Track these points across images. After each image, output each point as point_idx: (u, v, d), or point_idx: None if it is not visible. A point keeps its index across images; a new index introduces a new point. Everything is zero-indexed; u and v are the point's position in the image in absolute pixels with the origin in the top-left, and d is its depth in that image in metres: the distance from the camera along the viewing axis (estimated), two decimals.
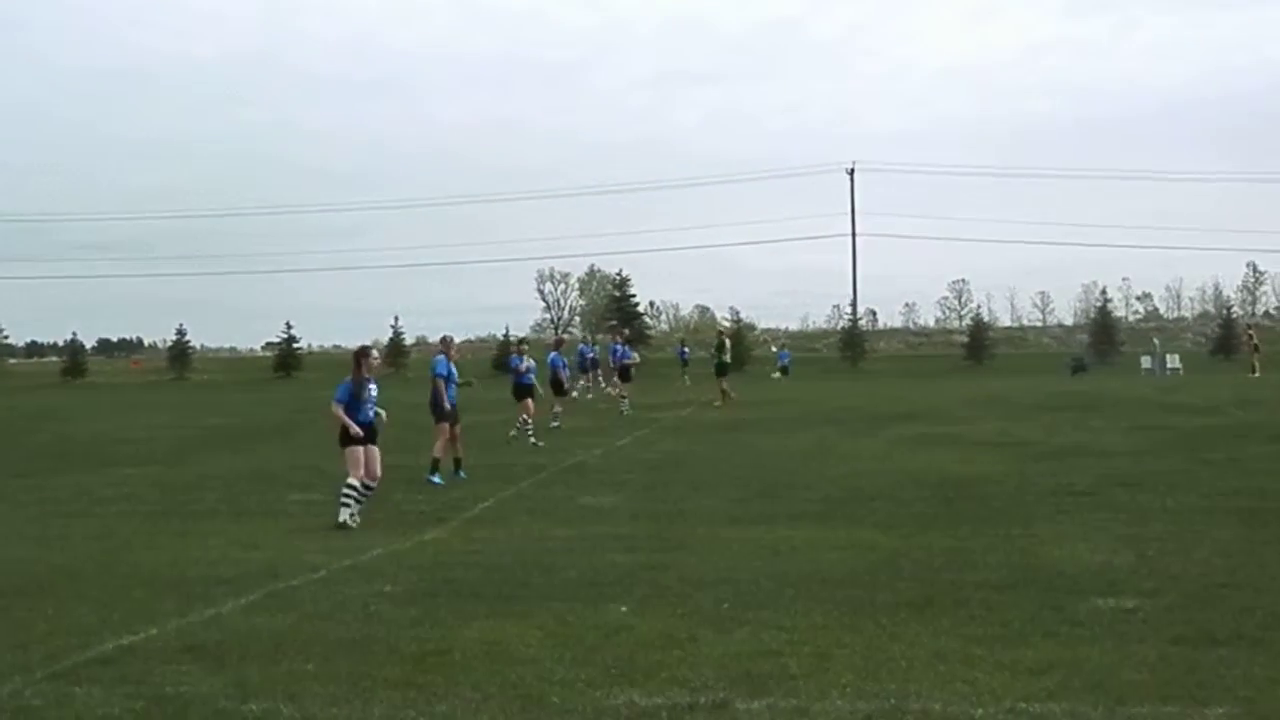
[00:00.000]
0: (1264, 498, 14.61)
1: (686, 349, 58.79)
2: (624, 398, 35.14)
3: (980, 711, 6.56)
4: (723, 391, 37.33)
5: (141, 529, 14.18)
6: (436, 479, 18.02)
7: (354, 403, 14.49)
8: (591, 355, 50.19)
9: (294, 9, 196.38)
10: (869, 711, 6.61)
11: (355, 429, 14.28)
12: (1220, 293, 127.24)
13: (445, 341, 20.32)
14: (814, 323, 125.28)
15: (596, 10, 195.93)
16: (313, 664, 7.76)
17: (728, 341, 41.10)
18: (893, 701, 6.74)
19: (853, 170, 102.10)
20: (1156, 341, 77.38)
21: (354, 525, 13.84)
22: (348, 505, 14.04)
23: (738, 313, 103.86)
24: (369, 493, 14.48)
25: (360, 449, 14.36)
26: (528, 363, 26.25)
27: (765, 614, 8.93)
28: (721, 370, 38.24)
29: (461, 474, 18.81)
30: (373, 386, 14.71)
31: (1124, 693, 6.80)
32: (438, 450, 18.78)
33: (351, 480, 14.18)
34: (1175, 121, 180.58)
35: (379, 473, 14.65)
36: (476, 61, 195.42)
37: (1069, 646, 7.85)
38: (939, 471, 18.00)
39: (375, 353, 15.63)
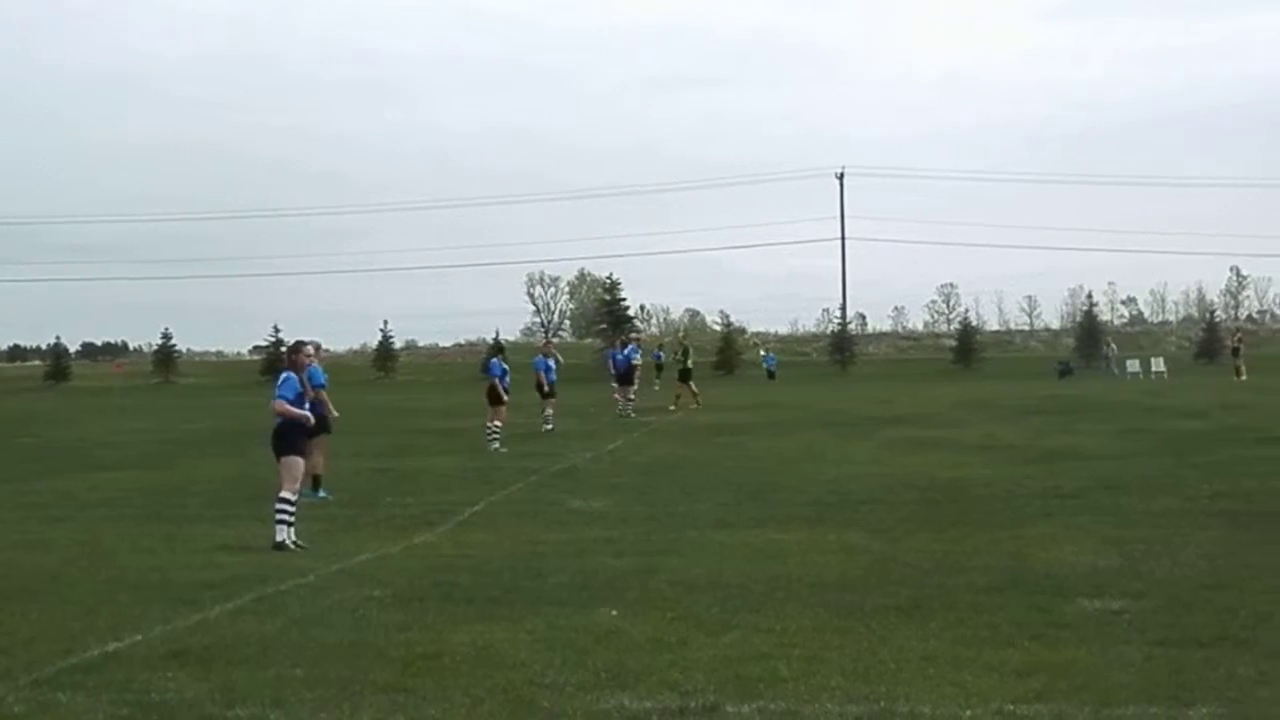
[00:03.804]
0: (1248, 500, 14.68)
1: (661, 353, 59.18)
2: (618, 399, 35.44)
3: (968, 713, 6.57)
4: (693, 394, 37.83)
5: (127, 533, 14.13)
6: (321, 494, 16.72)
7: (298, 404, 13.30)
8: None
9: (280, 10, 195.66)
10: (859, 714, 6.62)
11: (311, 419, 13.42)
12: (1204, 297, 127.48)
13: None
14: (804, 326, 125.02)
15: (589, 15, 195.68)
16: (301, 669, 7.75)
17: (690, 348, 42.69)
18: (882, 704, 6.75)
19: (842, 175, 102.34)
20: (1114, 346, 77.69)
21: (294, 546, 12.59)
22: (286, 523, 12.74)
23: (728, 316, 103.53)
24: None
25: (301, 459, 13.36)
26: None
27: (755, 617, 8.94)
28: (685, 375, 38.85)
29: (321, 493, 16.80)
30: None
31: (1110, 694, 6.82)
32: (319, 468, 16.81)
33: (286, 494, 12.84)
34: (1161, 128, 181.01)
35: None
36: (469, 65, 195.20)
37: (1056, 648, 7.87)
38: (928, 475, 18.03)
39: (309, 348, 14.31)
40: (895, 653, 7.83)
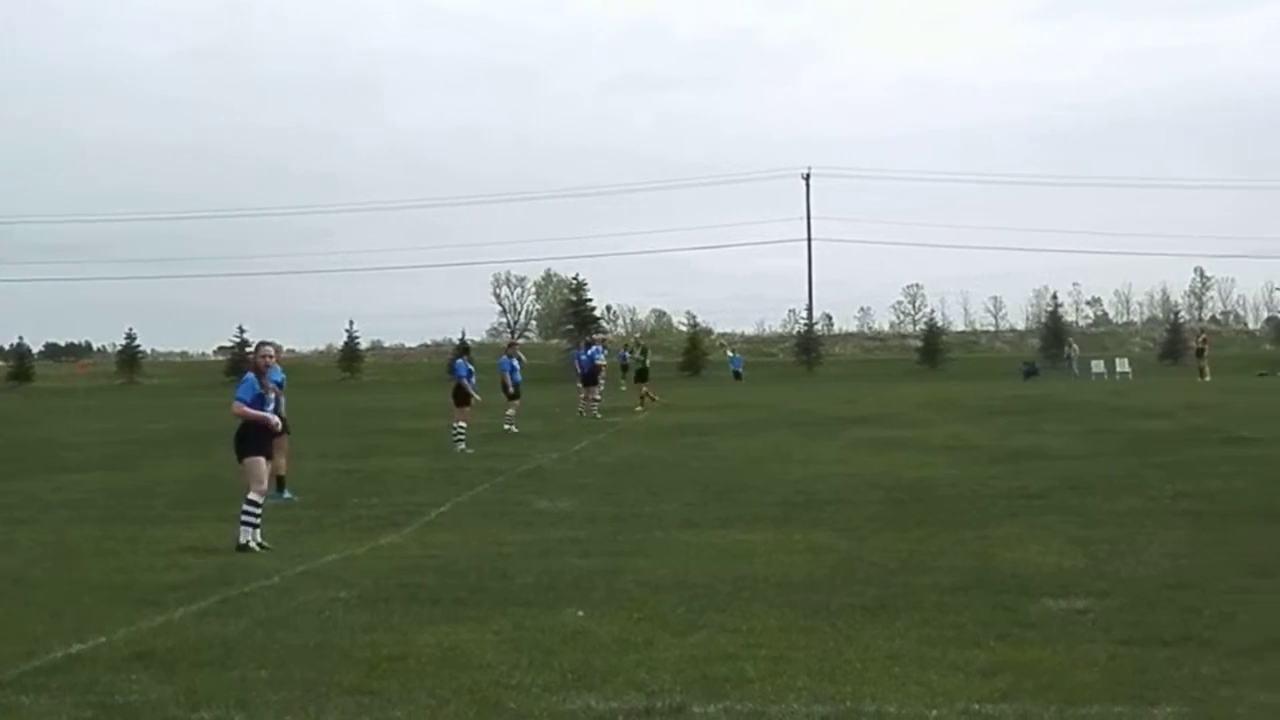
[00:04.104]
0: (1211, 500, 14.77)
1: (627, 353, 59.42)
2: (586, 400, 35.40)
3: (934, 713, 6.59)
4: (648, 395, 37.88)
5: (91, 535, 14.03)
6: (286, 495, 16.60)
7: (256, 405, 13.11)
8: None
9: (253, 9, 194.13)
10: (825, 714, 6.64)
11: (275, 420, 13.25)
12: (1168, 298, 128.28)
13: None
14: (770, 327, 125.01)
15: (554, 15, 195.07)
16: (266, 671, 7.71)
17: (648, 349, 43.00)
18: (848, 704, 6.76)
19: (808, 175, 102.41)
20: (1076, 347, 78.05)
21: (258, 548, 12.57)
22: (250, 525, 12.70)
23: (694, 317, 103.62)
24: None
25: (264, 460, 13.12)
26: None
27: (722, 617, 8.95)
28: (642, 376, 38.91)
29: (286, 494, 16.73)
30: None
31: (1074, 693, 6.86)
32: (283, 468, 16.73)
33: (253, 495, 12.78)
34: (1127, 131, 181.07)
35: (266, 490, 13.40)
36: (436, 65, 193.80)
37: (1021, 648, 7.90)
38: (894, 475, 18.08)
39: (269, 349, 13.88)
40: (861, 652, 7.85)
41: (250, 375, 13.34)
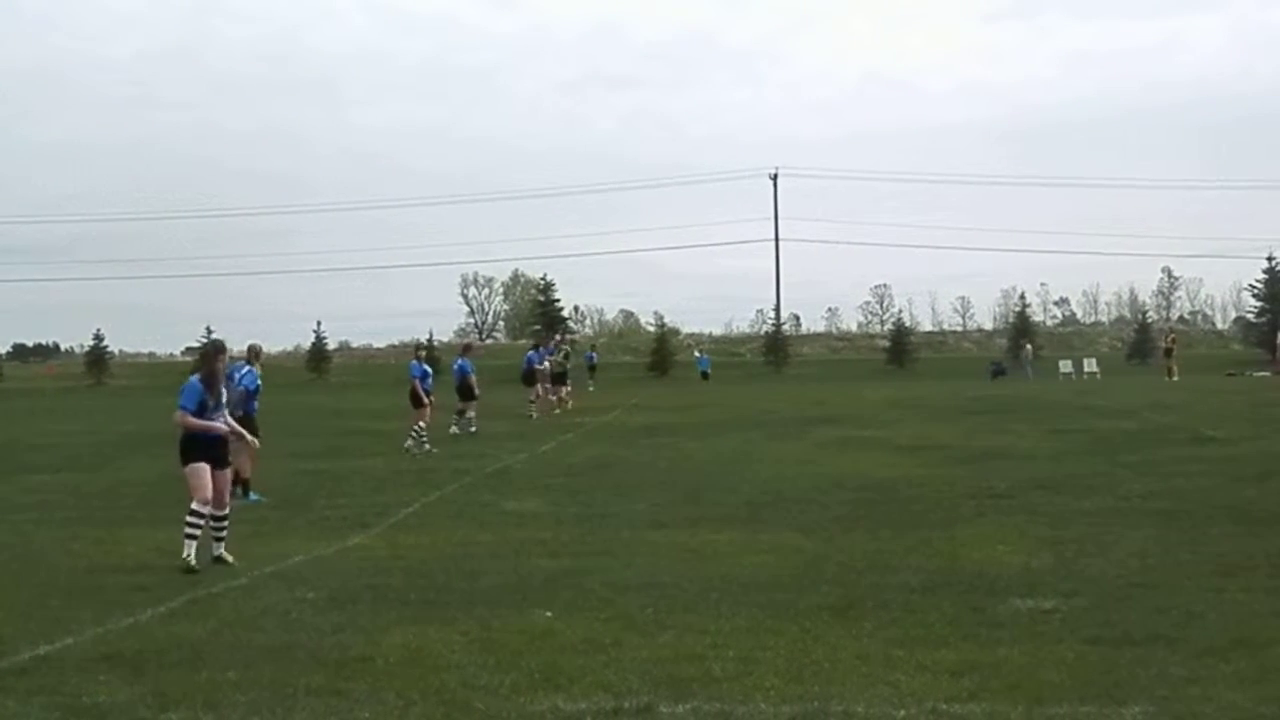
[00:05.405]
0: (1179, 499, 14.84)
1: (595, 354, 59.36)
2: (530, 402, 35.26)
3: (902, 713, 6.61)
4: (561, 399, 37.84)
5: (58, 536, 13.93)
6: (253, 497, 16.51)
7: (200, 414, 11.99)
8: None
9: (215, 10, 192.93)
10: (792, 714, 6.65)
11: (225, 428, 12.20)
12: (1136, 298, 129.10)
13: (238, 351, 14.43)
14: (738, 327, 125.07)
15: (515, 15, 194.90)
16: (233, 672, 7.68)
17: (571, 352, 43.79)
18: (816, 704, 6.78)
19: (776, 176, 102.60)
20: (1029, 348, 78.47)
21: (195, 567, 11.30)
22: (193, 538, 11.49)
23: (662, 317, 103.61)
24: (219, 525, 11.98)
25: (205, 467, 11.80)
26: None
27: (689, 618, 8.95)
28: (560, 378, 38.86)
29: (253, 496, 16.64)
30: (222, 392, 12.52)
31: (1042, 693, 6.89)
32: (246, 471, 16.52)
33: (195, 505, 11.64)
34: (1095, 130, 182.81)
35: (227, 500, 12.22)
36: (398, 66, 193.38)
37: (988, 647, 7.93)
38: (861, 475, 18.13)
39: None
40: (829, 653, 7.87)
41: (194, 379, 12.23)
